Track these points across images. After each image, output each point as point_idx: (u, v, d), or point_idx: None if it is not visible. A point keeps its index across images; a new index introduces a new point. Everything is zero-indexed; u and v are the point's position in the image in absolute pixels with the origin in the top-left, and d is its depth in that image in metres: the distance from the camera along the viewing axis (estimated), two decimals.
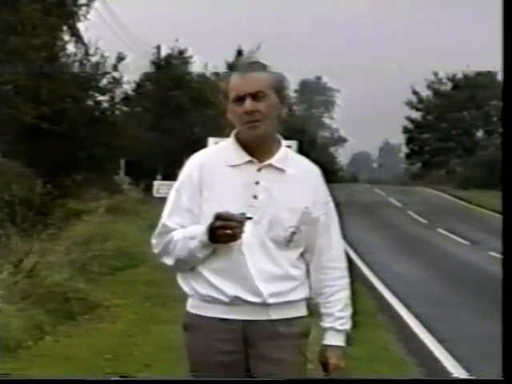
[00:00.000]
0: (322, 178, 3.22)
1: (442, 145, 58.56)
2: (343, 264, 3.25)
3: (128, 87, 32.22)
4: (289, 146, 3.21)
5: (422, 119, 62.32)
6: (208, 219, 3.02)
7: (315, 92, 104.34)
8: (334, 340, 3.18)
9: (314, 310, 3.25)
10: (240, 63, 3.18)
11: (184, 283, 3.15)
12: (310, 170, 3.21)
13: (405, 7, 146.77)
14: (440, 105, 60.20)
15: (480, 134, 61.15)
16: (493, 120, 58.05)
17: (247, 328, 3.06)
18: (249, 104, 3.04)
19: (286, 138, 3.21)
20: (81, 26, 24.61)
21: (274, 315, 3.08)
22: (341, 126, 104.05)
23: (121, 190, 25.70)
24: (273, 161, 3.11)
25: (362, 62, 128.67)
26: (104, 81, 26.05)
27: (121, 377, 6.34)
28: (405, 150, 68.11)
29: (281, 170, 3.12)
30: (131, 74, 30.68)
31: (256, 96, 3.04)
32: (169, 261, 3.12)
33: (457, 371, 7.27)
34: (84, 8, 24.21)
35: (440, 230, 23.88)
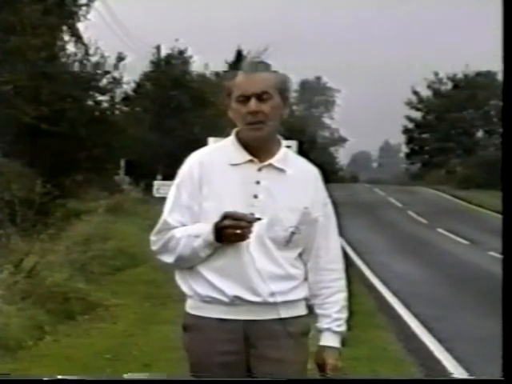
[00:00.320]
0: (321, 179, 3.23)
1: (442, 145, 58.55)
2: (340, 266, 3.24)
3: (128, 87, 32.27)
4: (288, 146, 3.21)
5: (422, 119, 62.33)
6: (208, 217, 3.02)
7: (315, 92, 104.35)
8: (331, 341, 3.16)
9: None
10: (246, 62, 3.16)
11: (183, 283, 3.13)
12: (309, 171, 3.21)
13: (405, 7, 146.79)
14: (440, 105, 60.20)
15: (480, 133, 61.16)
16: (493, 120, 58.06)
17: (248, 328, 3.06)
18: (253, 104, 3.03)
19: (286, 137, 3.21)
20: (81, 25, 24.63)
21: (275, 314, 3.07)
22: (341, 125, 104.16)
23: (121, 190, 25.72)
24: (273, 161, 3.11)
25: (362, 62, 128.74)
26: (104, 81, 26.06)
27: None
28: (405, 149, 68.17)
29: (281, 170, 3.11)
30: (131, 74, 30.70)
31: (261, 96, 3.04)
32: (168, 258, 3.11)
33: (457, 371, 7.27)
34: (84, 8, 24.22)
35: (440, 230, 23.88)
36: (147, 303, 10.43)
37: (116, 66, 26.08)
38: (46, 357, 7.43)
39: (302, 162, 3.22)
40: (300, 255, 3.16)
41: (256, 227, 3.00)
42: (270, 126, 3.06)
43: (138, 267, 13.62)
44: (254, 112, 3.03)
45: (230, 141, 3.14)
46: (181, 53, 36.17)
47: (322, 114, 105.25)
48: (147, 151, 30.55)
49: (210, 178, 3.08)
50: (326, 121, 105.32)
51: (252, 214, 2.98)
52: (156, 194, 18.35)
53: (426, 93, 62.52)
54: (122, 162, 28.33)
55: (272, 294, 3.05)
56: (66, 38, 24.48)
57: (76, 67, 24.75)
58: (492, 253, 17.02)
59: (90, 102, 25.85)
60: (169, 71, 34.99)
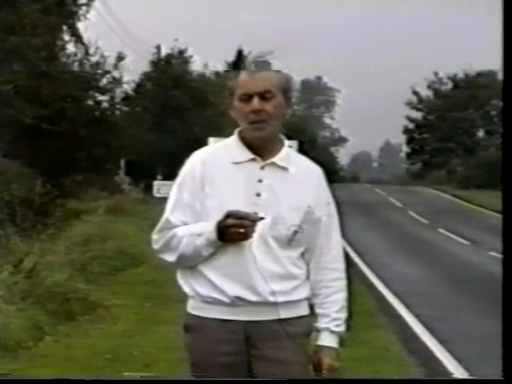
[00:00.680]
0: (324, 179, 3.22)
1: (443, 145, 58.53)
2: (342, 265, 3.23)
3: (128, 87, 32.29)
4: (289, 146, 3.20)
5: (423, 119, 62.32)
6: (210, 216, 3.01)
7: (316, 92, 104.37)
8: (328, 341, 3.15)
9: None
10: (249, 62, 3.16)
11: (184, 283, 3.13)
12: (312, 170, 3.20)
13: (405, 7, 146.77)
14: (440, 105, 60.19)
15: (481, 133, 61.14)
16: (494, 120, 58.03)
17: (249, 329, 3.05)
18: (256, 103, 3.03)
19: (287, 137, 3.20)
20: (81, 25, 24.67)
21: (276, 315, 3.06)
22: (341, 125, 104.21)
23: (121, 190, 25.71)
24: (276, 159, 3.10)
25: (362, 62, 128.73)
26: (104, 80, 26.07)
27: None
28: (405, 149, 68.16)
29: (284, 169, 3.11)
30: (131, 73, 30.72)
31: (264, 96, 3.04)
32: (170, 257, 3.09)
33: (457, 371, 7.26)
34: (84, 8, 24.27)
35: (440, 230, 23.87)
36: (147, 303, 10.43)
37: (116, 66, 26.09)
38: (46, 357, 7.42)
39: (305, 161, 3.22)
40: (302, 255, 3.16)
41: (259, 226, 2.99)
42: (272, 125, 3.06)
43: (138, 267, 13.61)
44: (256, 110, 3.03)
45: (233, 140, 3.14)
46: (181, 53, 36.17)
47: (323, 113, 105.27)
48: (147, 151, 30.53)
49: (213, 176, 3.07)
50: (327, 121, 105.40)
51: (255, 213, 2.97)
52: (156, 194, 18.35)
53: (426, 93, 62.62)
54: (122, 162, 28.33)
55: (273, 294, 3.04)
56: (66, 37, 24.54)
57: (76, 67, 24.76)
58: (492, 253, 17.01)
59: (90, 102, 25.87)
60: (169, 71, 34.99)
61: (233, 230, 2.96)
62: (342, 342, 3.18)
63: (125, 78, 27.99)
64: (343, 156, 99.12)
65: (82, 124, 22.84)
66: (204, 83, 35.27)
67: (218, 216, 2.98)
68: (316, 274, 3.17)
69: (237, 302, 3.03)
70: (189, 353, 3.14)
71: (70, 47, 24.65)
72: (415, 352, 8.14)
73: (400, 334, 9.20)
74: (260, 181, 3.07)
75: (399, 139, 77.93)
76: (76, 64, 24.75)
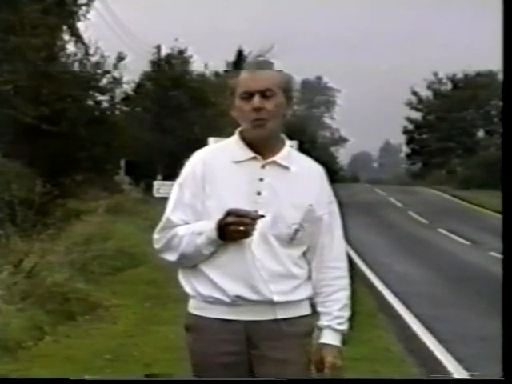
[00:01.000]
0: (326, 178, 3.21)
1: (443, 145, 58.53)
2: (344, 264, 3.23)
3: (128, 87, 32.23)
4: (290, 146, 3.20)
5: (423, 119, 62.33)
6: (211, 215, 3.01)
7: (316, 92, 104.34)
8: (331, 339, 3.13)
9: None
10: (249, 60, 3.16)
11: (186, 284, 3.13)
12: (314, 169, 3.20)
13: (405, 7, 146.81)
14: (440, 105, 60.19)
15: (481, 133, 61.16)
16: (493, 120, 58.04)
17: (249, 328, 3.05)
18: (257, 101, 3.03)
19: (287, 137, 3.20)
20: (81, 25, 24.66)
21: (277, 314, 3.06)
22: (341, 125, 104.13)
23: (121, 190, 25.70)
24: (277, 158, 3.10)
25: (362, 62, 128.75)
26: (104, 80, 26.06)
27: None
28: (405, 149, 68.16)
29: (285, 168, 3.11)
30: (131, 73, 30.67)
31: (264, 94, 3.04)
32: (171, 256, 3.09)
33: (457, 371, 7.26)
34: (84, 8, 24.26)
35: (440, 230, 23.86)
36: (147, 303, 10.42)
37: (116, 66, 26.07)
38: (46, 357, 7.42)
39: (307, 161, 3.22)
40: (304, 254, 3.15)
41: (259, 224, 2.99)
42: (272, 123, 3.06)
43: (138, 267, 13.60)
44: (257, 108, 3.03)
45: (234, 139, 3.14)
46: (181, 53, 36.14)
47: (323, 113, 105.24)
48: (147, 151, 30.53)
49: (213, 176, 3.08)
50: (327, 121, 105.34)
51: (255, 211, 2.98)
52: (156, 194, 18.37)
53: (426, 93, 62.62)
54: (122, 162, 28.32)
55: (274, 293, 3.03)
56: (66, 37, 24.54)
57: (76, 67, 24.76)
58: (492, 253, 17.01)
59: (90, 102, 25.86)
60: (169, 71, 34.98)
61: (233, 228, 2.96)
62: (344, 341, 3.18)
63: (125, 78, 27.98)
64: (343, 156, 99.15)
65: (82, 124, 22.83)
66: (204, 83, 35.26)
67: (219, 215, 2.98)
68: (318, 273, 3.16)
69: (237, 301, 3.03)
70: (190, 352, 3.14)
71: (70, 47, 24.68)
72: (415, 352, 8.14)
73: (400, 334, 9.19)
74: (261, 179, 3.07)
75: (399, 139, 77.99)
76: (76, 64, 24.76)
